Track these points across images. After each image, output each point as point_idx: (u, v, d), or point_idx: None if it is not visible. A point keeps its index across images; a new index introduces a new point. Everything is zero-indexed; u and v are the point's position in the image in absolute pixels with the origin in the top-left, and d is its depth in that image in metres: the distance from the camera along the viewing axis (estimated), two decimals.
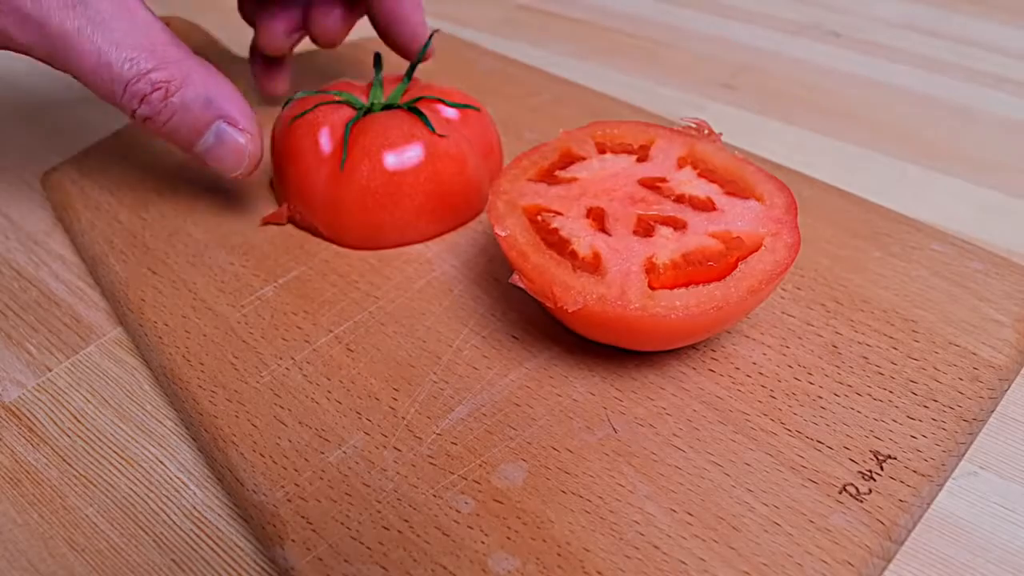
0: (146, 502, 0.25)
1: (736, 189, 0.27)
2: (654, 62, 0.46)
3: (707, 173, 0.28)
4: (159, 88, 0.27)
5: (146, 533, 0.24)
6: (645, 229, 0.26)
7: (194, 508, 0.25)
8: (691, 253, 0.25)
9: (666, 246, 0.25)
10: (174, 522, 0.24)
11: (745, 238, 0.25)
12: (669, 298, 0.24)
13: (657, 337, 0.25)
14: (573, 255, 0.25)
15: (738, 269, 0.24)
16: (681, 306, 0.23)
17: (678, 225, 0.26)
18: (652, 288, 0.24)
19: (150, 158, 0.36)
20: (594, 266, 0.25)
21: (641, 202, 0.27)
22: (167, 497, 0.25)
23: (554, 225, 0.26)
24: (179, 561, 0.23)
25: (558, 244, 0.25)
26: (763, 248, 0.25)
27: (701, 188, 0.27)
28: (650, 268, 0.24)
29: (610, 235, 0.25)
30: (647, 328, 0.24)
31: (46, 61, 0.27)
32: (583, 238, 0.25)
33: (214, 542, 0.24)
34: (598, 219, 0.26)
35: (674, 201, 0.27)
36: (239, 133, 0.29)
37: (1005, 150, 0.39)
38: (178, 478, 0.25)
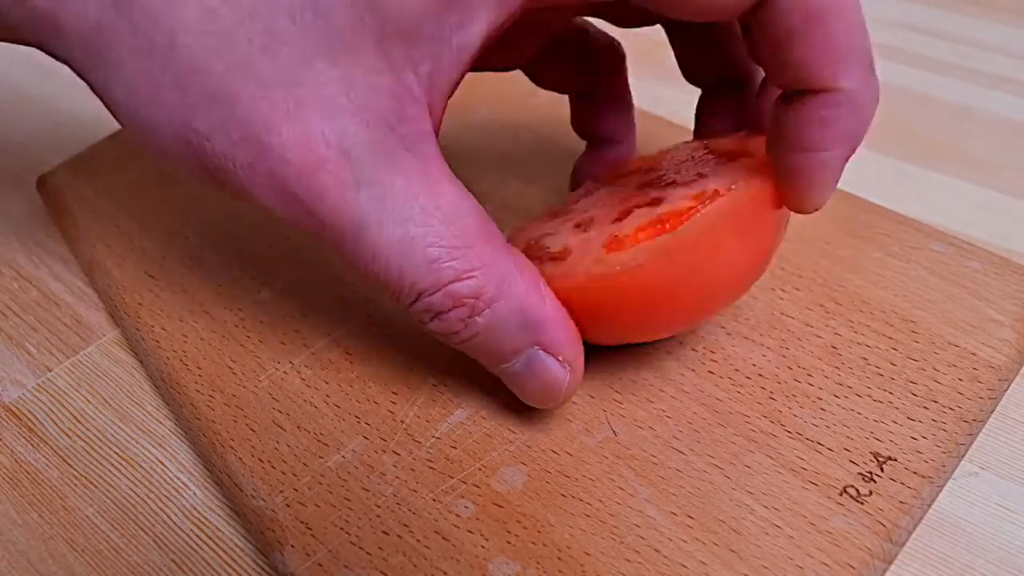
0: (146, 502, 0.25)
1: (734, 156, 0.24)
2: (654, 62, 0.46)
3: (711, 152, 0.26)
4: (463, 305, 0.20)
5: (146, 533, 0.24)
6: (622, 214, 0.24)
7: (194, 508, 0.25)
8: (659, 216, 0.22)
9: (637, 218, 0.23)
10: (174, 522, 0.24)
11: (723, 191, 0.22)
12: (619, 258, 0.21)
13: (625, 315, 0.22)
14: (547, 254, 0.24)
15: (698, 214, 0.21)
16: (630, 260, 0.21)
17: (656, 202, 0.23)
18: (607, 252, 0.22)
19: (148, 161, 0.36)
20: (563, 257, 0.23)
21: (630, 198, 0.25)
22: (167, 497, 0.25)
23: (544, 242, 0.25)
24: (179, 561, 0.23)
25: (539, 253, 0.24)
26: (732, 189, 0.22)
27: (696, 166, 0.25)
28: (611, 240, 0.22)
29: (587, 231, 0.24)
30: (608, 304, 0.22)
31: (323, 246, 0.21)
32: (559, 236, 0.24)
33: (214, 543, 0.24)
34: (585, 224, 0.25)
35: (664, 186, 0.25)
36: (558, 365, 0.22)
37: (1005, 150, 0.39)
38: (178, 479, 0.25)
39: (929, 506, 0.23)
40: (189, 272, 0.30)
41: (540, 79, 0.31)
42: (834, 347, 0.27)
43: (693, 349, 0.27)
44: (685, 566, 0.21)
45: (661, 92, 0.43)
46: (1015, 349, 0.27)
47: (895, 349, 0.27)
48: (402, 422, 0.25)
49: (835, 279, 0.29)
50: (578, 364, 0.23)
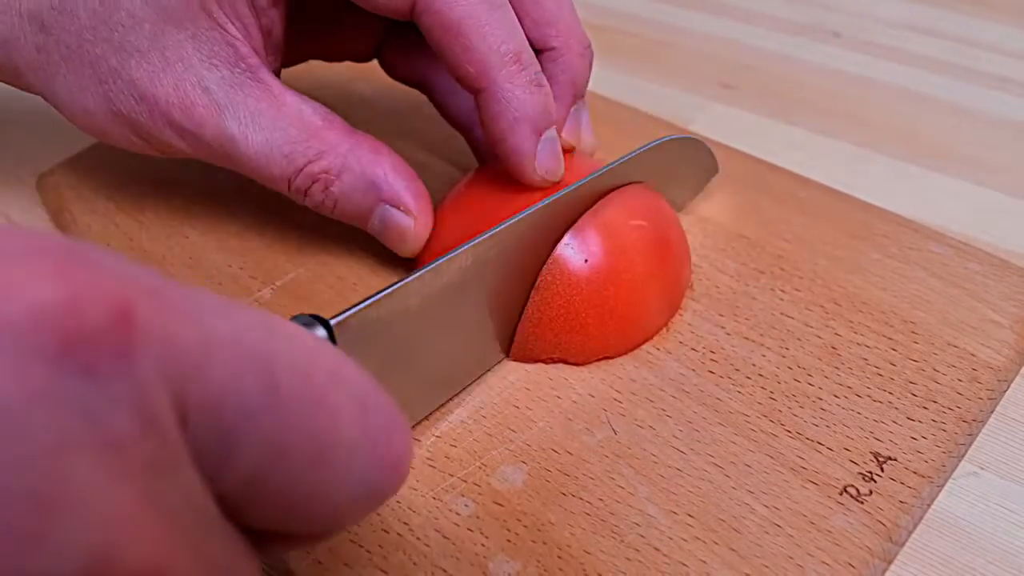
0: None
1: None
2: (654, 62, 0.46)
3: None
4: (318, 180, 0.26)
5: None
6: None
7: None
8: None
9: None
10: None
11: None
12: None
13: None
14: None
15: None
16: None
17: None
18: None
19: (147, 160, 0.36)
20: None
21: None
22: None
23: None
24: None
25: None
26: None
27: None
28: None
29: None
30: None
31: (217, 163, 0.27)
32: None
33: None
34: None
35: None
36: (401, 215, 0.27)
37: (1005, 150, 0.39)
38: None
39: (929, 506, 0.23)
40: (189, 272, 0.30)
41: (391, 70, 0.32)
42: (834, 347, 0.27)
43: (693, 349, 0.27)
44: (685, 565, 0.21)
45: (661, 92, 0.44)
46: (1014, 350, 0.27)
47: (895, 350, 0.27)
48: None
49: (835, 280, 0.29)
50: (424, 215, 0.27)
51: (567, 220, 0.26)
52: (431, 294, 0.23)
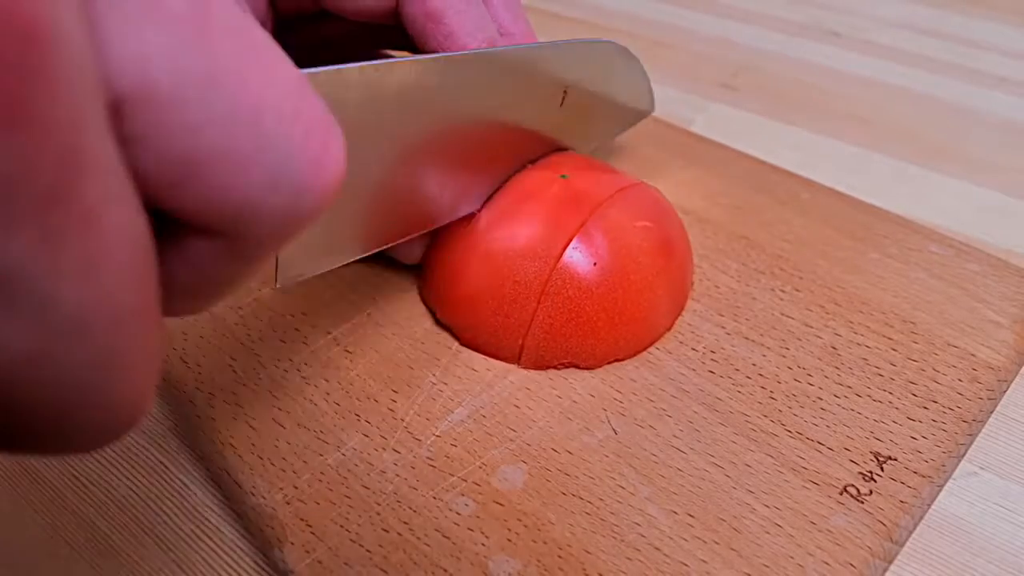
0: (146, 502, 0.25)
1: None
2: (654, 62, 0.46)
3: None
4: None
5: (146, 533, 0.24)
6: None
7: (194, 508, 0.25)
8: None
9: None
10: (174, 522, 0.24)
11: None
12: None
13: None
14: None
15: None
16: None
17: None
18: None
19: None
20: None
21: None
22: (167, 497, 0.25)
23: None
24: (179, 561, 0.23)
25: None
26: None
27: None
28: None
29: None
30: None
31: None
32: None
33: (214, 542, 0.24)
34: None
35: None
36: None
37: (1005, 150, 0.39)
38: (178, 479, 0.25)
39: (929, 506, 0.23)
40: None
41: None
42: (834, 347, 0.27)
43: (693, 349, 0.27)
44: (686, 564, 0.21)
45: (661, 92, 0.44)
46: (1014, 350, 0.27)
47: (895, 350, 0.27)
48: (402, 420, 0.25)
49: (835, 280, 0.29)
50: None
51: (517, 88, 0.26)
52: (374, 96, 0.22)
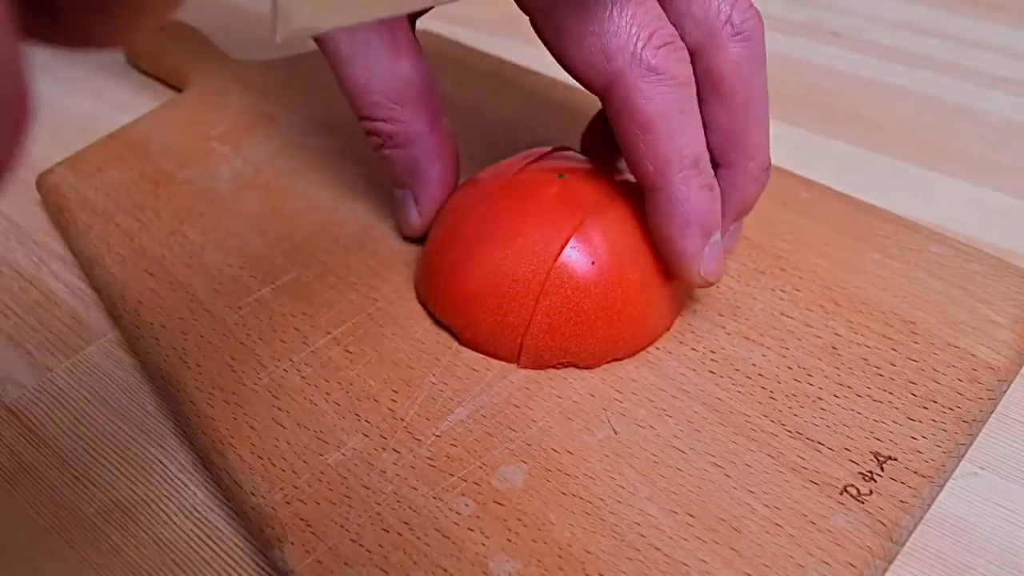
0: (146, 502, 0.25)
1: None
2: None
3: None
4: (380, 135, 0.29)
5: (146, 533, 0.24)
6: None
7: (194, 508, 0.25)
8: None
9: None
10: (174, 522, 0.24)
11: None
12: None
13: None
14: None
15: None
16: None
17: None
18: None
19: (146, 159, 0.36)
20: None
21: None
22: (167, 497, 0.25)
23: None
24: (179, 561, 0.23)
25: None
26: None
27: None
28: None
29: None
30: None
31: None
32: None
33: (214, 542, 0.24)
34: None
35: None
36: (415, 212, 0.30)
37: (1005, 150, 0.39)
38: (178, 478, 0.25)
39: (929, 506, 0.23)
40: (189, 271, 0.30)
41: None
42: (834, 347, 0.27)
43: (693, 349, 0.27)
44: (686, 564, 0.21)
45: None
46: (1014, 350, 0.27)
47: (895, 350, 0.27)
48: (402, 420, 0.25)
49: (835, 280, 0.29)
50: (427, 220, 0.30)
51: None
52: None
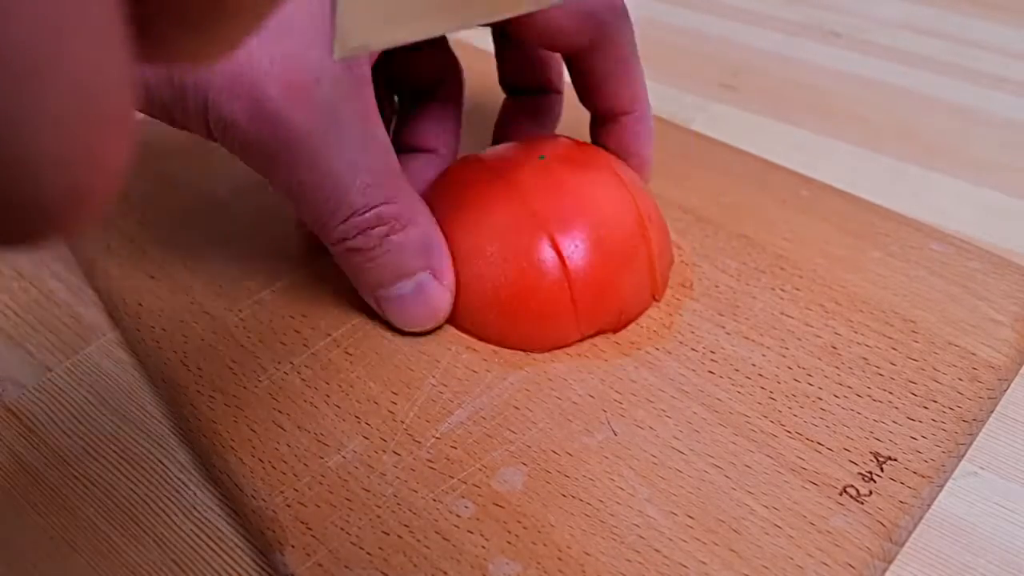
0: (146, 502, 0.25)
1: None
2: (654, 62, 0.46)
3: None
4: (385, 224, 0.24)
5: (146, 533, 0.24)
6: None
7: (194, 508, 0.25)
8: None
9: None
10: (174, 522, 0.24)
11: None
12: None
13: None
14: None
15: None
16: None
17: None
18: None
19: (147, 160, 0.36)
20: None
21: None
22: (167, 497, 0.25)
23: None
24: (179, 561, 0.23)
25: None
26: None
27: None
28: None
29: None
30: None
31: (254, 165, 0.24)
32: None
33: (214, 542, 0.24)
34: None
35: None
36: (442, 288, 0.26)
37: (1005, 150, 0.39)
38: (178, 479, 0.25)
39: (929, 506, 0.23)
40: (189, 272, 0.30)
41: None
42: (834, 347, 0.27)
43: (693, 349, 0.27)
44: (685, 566, 0.21)
45: (661, 92, 0.43)
46: (1015, 349, 0.27)
47: (895, 349, 0.27)
48: (402, 422, 0.25)
49: (835, 279, 0.29)
50: (452, 295, 0.27)
51: None
52: None
